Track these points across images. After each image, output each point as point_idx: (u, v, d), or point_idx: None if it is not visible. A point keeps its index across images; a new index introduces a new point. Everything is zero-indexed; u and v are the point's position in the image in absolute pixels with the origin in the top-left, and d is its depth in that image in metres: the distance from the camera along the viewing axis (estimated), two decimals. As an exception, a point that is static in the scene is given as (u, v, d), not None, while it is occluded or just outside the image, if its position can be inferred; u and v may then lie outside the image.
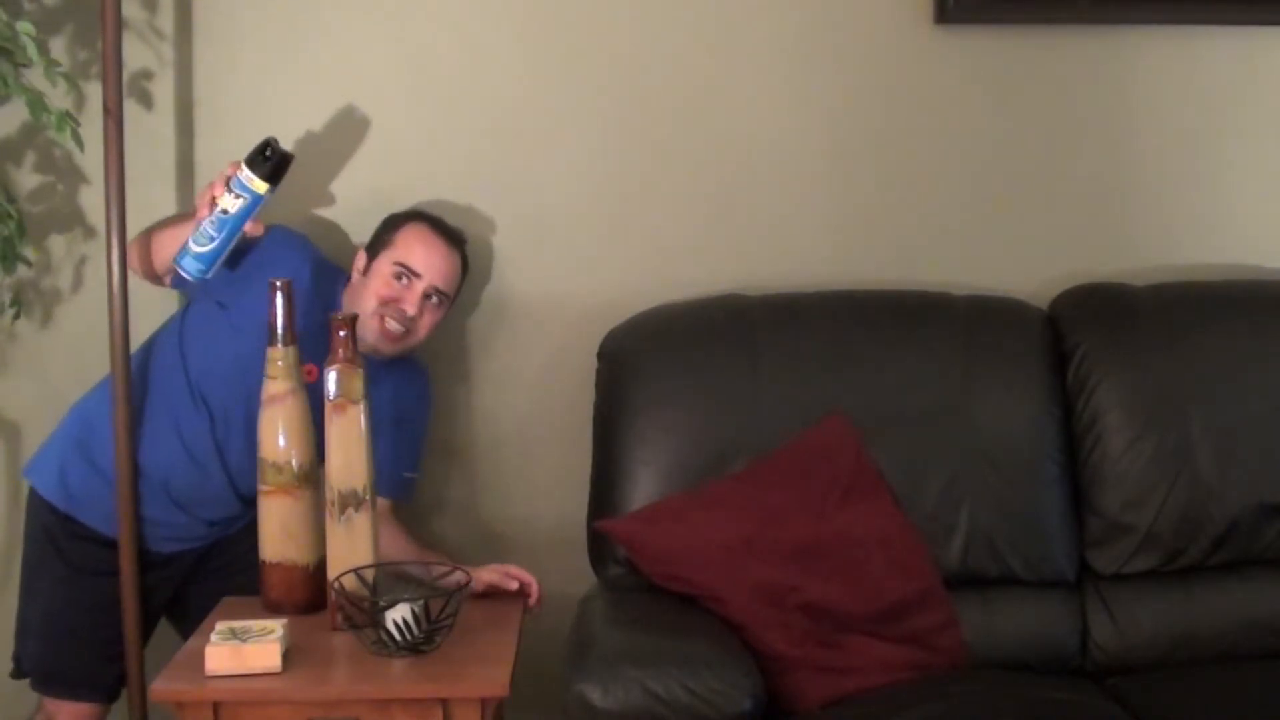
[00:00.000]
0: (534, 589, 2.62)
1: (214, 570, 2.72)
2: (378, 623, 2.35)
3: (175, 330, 2.70)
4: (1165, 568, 2.70)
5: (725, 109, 2.93)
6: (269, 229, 2.63)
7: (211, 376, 2.64)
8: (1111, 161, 2.98)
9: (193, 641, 2.43)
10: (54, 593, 2.66)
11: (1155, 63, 2.95)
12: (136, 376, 2.67)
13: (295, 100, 2.87)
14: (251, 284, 2.60)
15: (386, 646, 2.35)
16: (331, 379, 2.45)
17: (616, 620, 2.49)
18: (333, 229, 2.90)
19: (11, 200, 2.76)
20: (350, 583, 2.43)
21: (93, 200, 2.82)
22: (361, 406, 2.46)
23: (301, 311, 2.52)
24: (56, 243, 2.90)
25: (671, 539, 2.57)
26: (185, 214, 2.72)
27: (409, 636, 2.34)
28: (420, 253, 2.67)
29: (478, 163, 2.90)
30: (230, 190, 2.53)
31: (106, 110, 2.62)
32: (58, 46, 2.78)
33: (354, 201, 2.89)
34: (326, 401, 2.46)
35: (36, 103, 2.55)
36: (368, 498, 2.47)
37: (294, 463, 2.50)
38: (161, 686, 2.31)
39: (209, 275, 2.58)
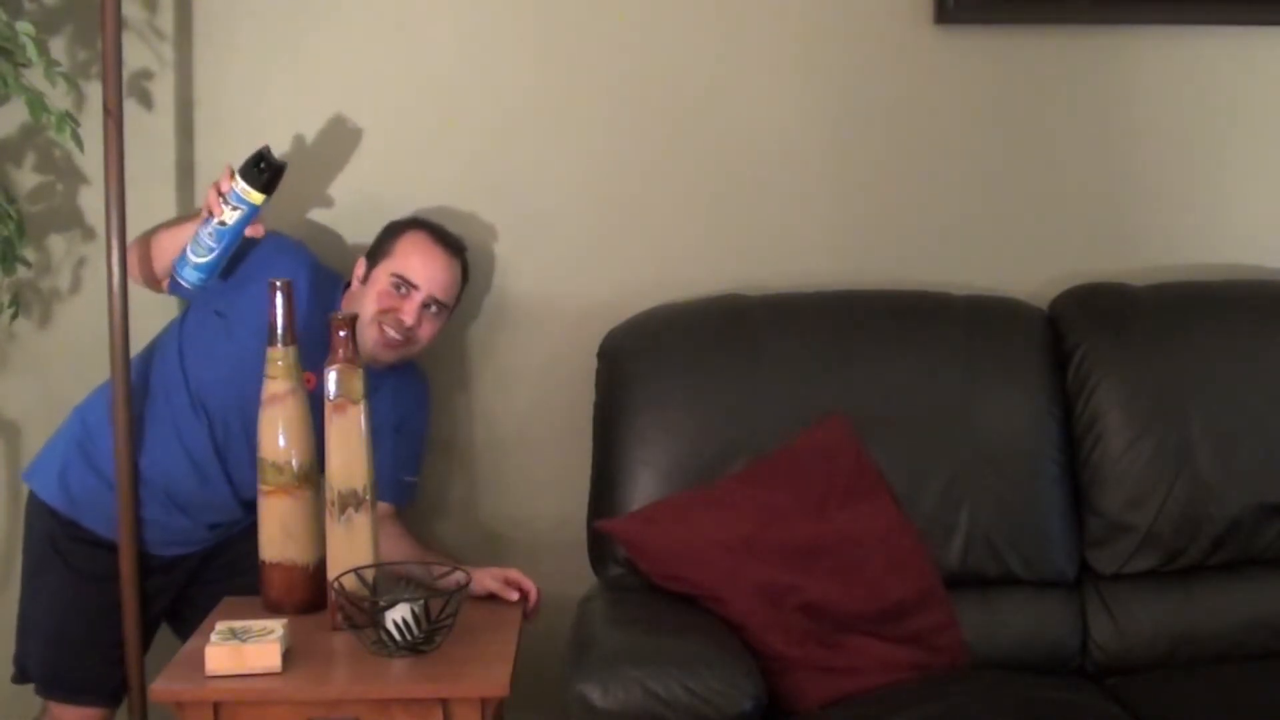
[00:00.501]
0: (534, 597, 2.62)
1: (214, 572, 2.72)
2: (378, 623, 2.35)
3: (174, 336, 2.70)
4: (1165, 568, 2.70)
5: (725, 109, 2.93)
6: (266, 235, 2.63)
7: (209, 383, 2.64)
8: (1111, 161, 2.98)
9: (193, 641, 2.43)
10: (57, 598, 2.66)
11: (1155, 63, 2.95)
12: (137, 381, 2.67)
13: (295, 101, 2.87)
14: (247, 291, 2.61)
15: (386, 646, 2.35)
16: (331, 379, 2.45)
17: (616, 620, 2.49)
18: (330, 233, 2.90)
19: (11, 200, 2.76)
20: (350, 583, 2.43)
21: (92, 201, 2.82)
22: (361, 406, 2.46)
23: (299, 318, 2.52)
24: (56, 243, 2.90)
25: (671, 539, 2.57)
26: (181, 219, 2.73)
27: (409, 636, 2.34)
28: (418, 263, 2.66)
29: (478, 164, 2.90)
30: (227, 203, 2.53)
31: (106, 110, 2.62)
32: (58, 46, 2.78)
33: (353, 204, 2.89)
34: (326, 401, 2.46)
35: (36, 103, 2.55)
36: (368, 498, 2.47)
37: (294, 463, 2.50)
38: (161, 687, 2.31)
39: (207, 284, 2.59)
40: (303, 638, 2.40)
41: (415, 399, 2.81)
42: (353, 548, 2.46)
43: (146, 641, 2.72)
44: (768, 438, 2.66)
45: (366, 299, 2.66)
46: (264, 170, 2.53)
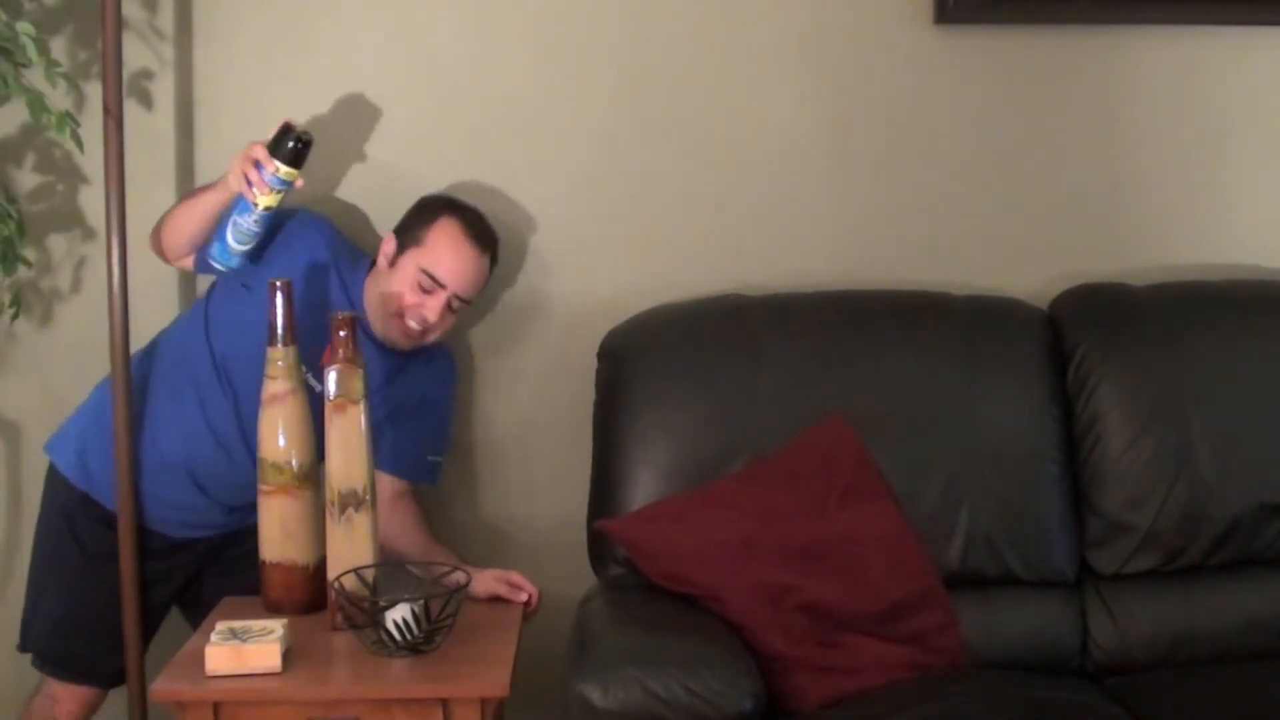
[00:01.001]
0: (534, 600, 2.62)
1: (228, 562, 2.71)
2: (378, 623, 2.35)
3: (201, 312, 2.70)
4: (1165, 568, 2.70)
5: (725, 109, 2.93)
6: (295, 212, 2.64)
7: (237, 356, 2.63)
8: (1111, 161, 2.98)
9: (193, 641, 2.43)
10: (66, 579, 2.66)
11: (1155, 63, 2.95)
12: (164, 353, 2.67)
13: (295, 101, 2.86)
14: (276, 265, 2.62)
15: (386, 646, 2.35)
16: (331, 379, 2.45)
17: (616, 620, 2.49)
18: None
19: (11, 200, 2.76)
20: (350, 583, 2.43)
21: (93, 200, 2.82)
22: (361, 406, 2.46)
23: (320, 292, 2.54)
24: (56, 243, 2.90)
25: (671, 539, 2.57)
26: (198, 191, 2.70)
27: (409, 636, 2.34)
28: (448, 262, 2.64)
29: (478, 164, 2.90)
30: (270, 189, 2.52)
31: (106, 110, 2.62)
32: (58, 46, 2.78)
33: (351, 203, 2.89)
34: (326, 401, 2.46)
35: (36, 103, 2.55)
36: (368, 498, 2.47)
37: (294, 463, 2.50)
38: (162, 686, 2.31)
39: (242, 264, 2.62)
40: (303, 638, 2.40)
41: (440, 375, 2.79)
42: (353, 548, 2.46)
43: (156, 625, 2.73)
44: (768, 438, 2.66)
45: (392, 288, 2.65)
46: (297, 146, 2.52)
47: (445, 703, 2.30)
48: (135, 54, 2.81)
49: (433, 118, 2.90)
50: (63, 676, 2.69)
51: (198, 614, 2.65)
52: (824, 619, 2.51)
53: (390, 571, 2.51)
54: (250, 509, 2.67)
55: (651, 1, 2.90)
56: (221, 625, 2.38)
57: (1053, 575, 2.69)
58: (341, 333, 2.46)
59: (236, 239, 2.58)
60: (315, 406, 2.51)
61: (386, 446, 2.70)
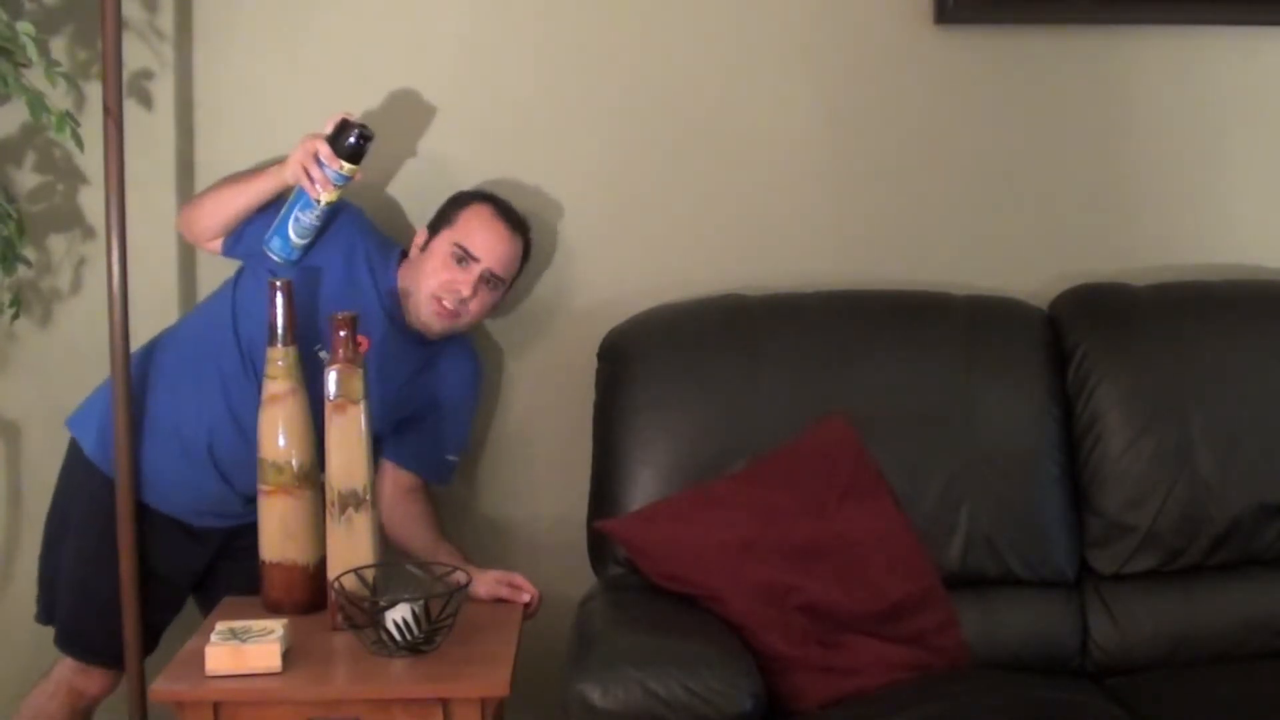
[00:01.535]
0: (535, 601, 2.62)
1: (239, 550, 2.69)
2: (378, 623, 2.35)
3: (228, 297, 2.69)
4: (1165, 568, 2.70)
5: (726, 110, 2.93)
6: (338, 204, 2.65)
7: (263, 343, 2.60)
8: (1111, 161, 2.98)
9: (193, 641, 2.43)
10: (83, 560, 2.66)
11: (1155, 63, 2.95)
12: (188, 337, 2.68)
13: (295, 101, 2.87)
14: (315, 256, 2.63)
15: (386, 646, 2.35)
16: (331, 379, 2.45)
17: (616, 620, 2.48)
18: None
19: (11, 200, 2.76)
20: (350, 583, 2.43)
21: (93, 200, 2.82)
22: (361, 406, 2.46)
23: (351, 281, 2.57)
24: (56, 243, 2.90)
25: (671, 539, 2.57)
26: (243, 177, 2.69)
27: (409, 636, 2.34)
28: (481, 236, 2.65)
29: (478, 166, 2.90)
30: (332, 184, 2.53)
31: (106, 110, 2.62)
32: (58, 46, 2.78)
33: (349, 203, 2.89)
34: (327, 402, 2.46)
35: (36, 103, 2.55)
36: (368, 498, 2.47)
37: (294, 463, 2.50)
38: (162, 686, 2.32)
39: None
40: (303, 638, 2.41)
41: (464, 376, 2.79)
42: (353, 548, 2.46)
43: (178, 609, 2.73)
44: (768, 438, 2.66)
45: (426, 268, 2.65)
46: (358, 142, 2.52)
47: (445, 703, 2.30)
48: (135, 54, 2.81)
49: (430, 118, 2.89)
50: (79, 656, 2.68)
51: (210, 601, 2.67)
52: (824, 619, 2.51)
53: (390, 571, 2.51)
54: None
55: (652, 4, 2.90)
56: (221, 625, 2.38)
57: (1053, 575, 2.69)
58: (341, 333, 2.46)
59: (298, 234, 2.58)
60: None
61: (405, 441, 2.71)
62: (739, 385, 2.69)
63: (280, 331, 2.49)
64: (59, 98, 2.64)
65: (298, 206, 2.57)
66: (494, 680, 2.31)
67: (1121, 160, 2.98)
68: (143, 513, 2.65)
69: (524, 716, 2.68)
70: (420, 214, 2.81)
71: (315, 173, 2.53)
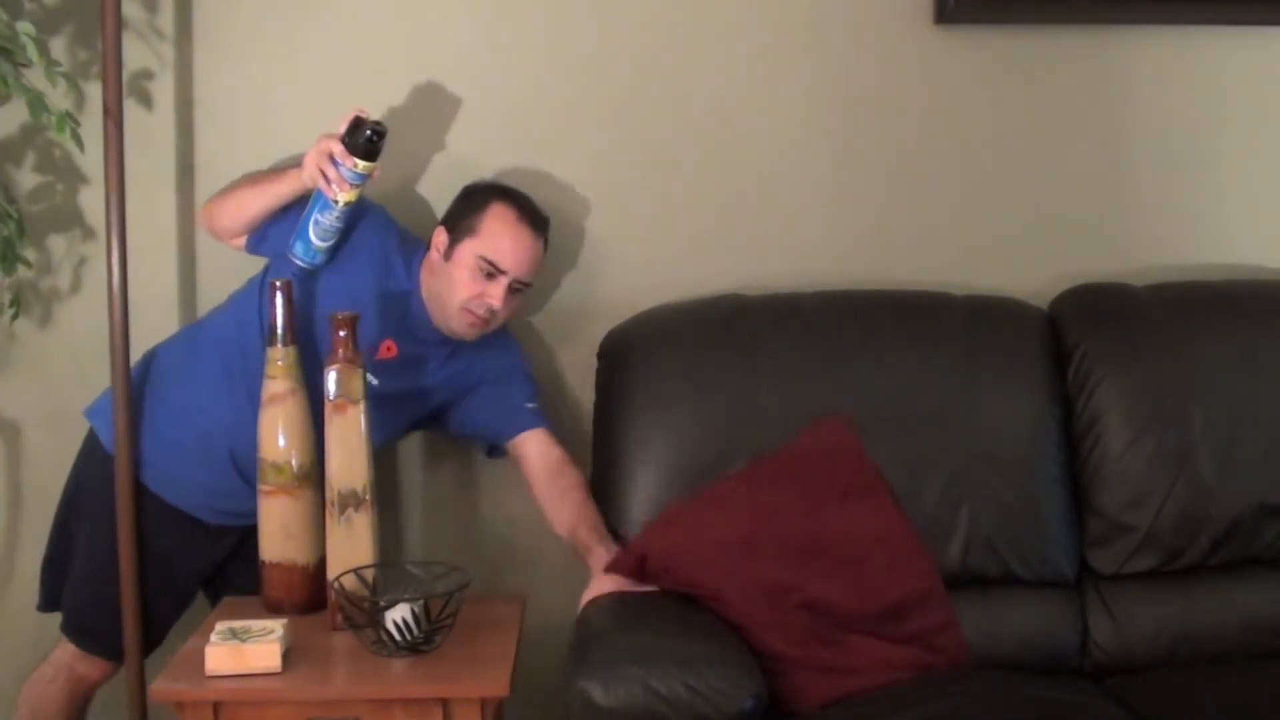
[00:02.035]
0: None
1: (256, 549, 2.68)
2: (378, 623, 2.35)
3: (254, 299, 2.68)
4: (1165, 568, 2.70)
5: (725, 109, 2.93)
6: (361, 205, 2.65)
7: None
8: (1111, 161, 2.98)
9: (193, 641, 2.43)
10: (95, 552, 2.66)
11: (1155, 63, 2.95)
12: (211, 335, 2.68)
13: (295, 100, 2.87)
14: (339, 257, 2.63)
15: (386, 646, 2.35)
16: (331, 379, 2.45)
17: (618, 619, 2.48)
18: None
19: (11, 200, 2.76)
20: (350, 583, 2.43)
21: (93, 200, 2.82)
22: (361, 406, 2.46)
23: (376, 280, 2.58)
24: (56, 243, 2.90)
25: (671, 539, 2.56)
26: (264, 177, 2.68)
27: (409, 636, 2.34)
28: (507, 248, 2.63)
29: (477, 165, 2.89)
30: (349, 184, 2.52)
31: (106, 110, 2.62)
32: (58, 46, 2.78)
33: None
34: (326, 402, 2.46)
35: (36, 103, 2.55)
36: (368, 498, 2.47)
37: (294, 463, 2.50)
38: (161, 686, 2.32)
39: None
40: (303, 638, 2.41)
41: (500, 343, 2.76)
42: (353, 548, 2.46)
43: (182, 609, 2.73)
44: (768, 438, 2.66)
45: (453, 281, 2.63)
46: (372, 139, 2.50)
47: (445, 703, 2.30)
48: (135, 54, 2.81)
49: (427, 119, 2.89)
50: (84, 647, 2.68)
51: (221, 597, 2.67)
52: (824, 619, 2.51)
53: (390, 571, 2.50)
54: None
55: (651, 5, 2.90)
56: (221, 625, 2.38)
57: (1053, 575, 2.69)
58: (341, 333, 2.46)
59: (319, 236, 2.57)
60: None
61: (482, 417, 2.72)
62: (739, 385, 2.69)
63: (280, 332, 2.49)
64: (59, 98, 2.64)
65: (317, 208, 2.56)
66: (494, 680, 2.31)
67: (1121, 160, 2.98)
68: (158, 507, 2.65)
69: (524, 716, 2.68)
70: (420, 210, 2.81)
71: (331, 172, 2.51)
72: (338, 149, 2.50)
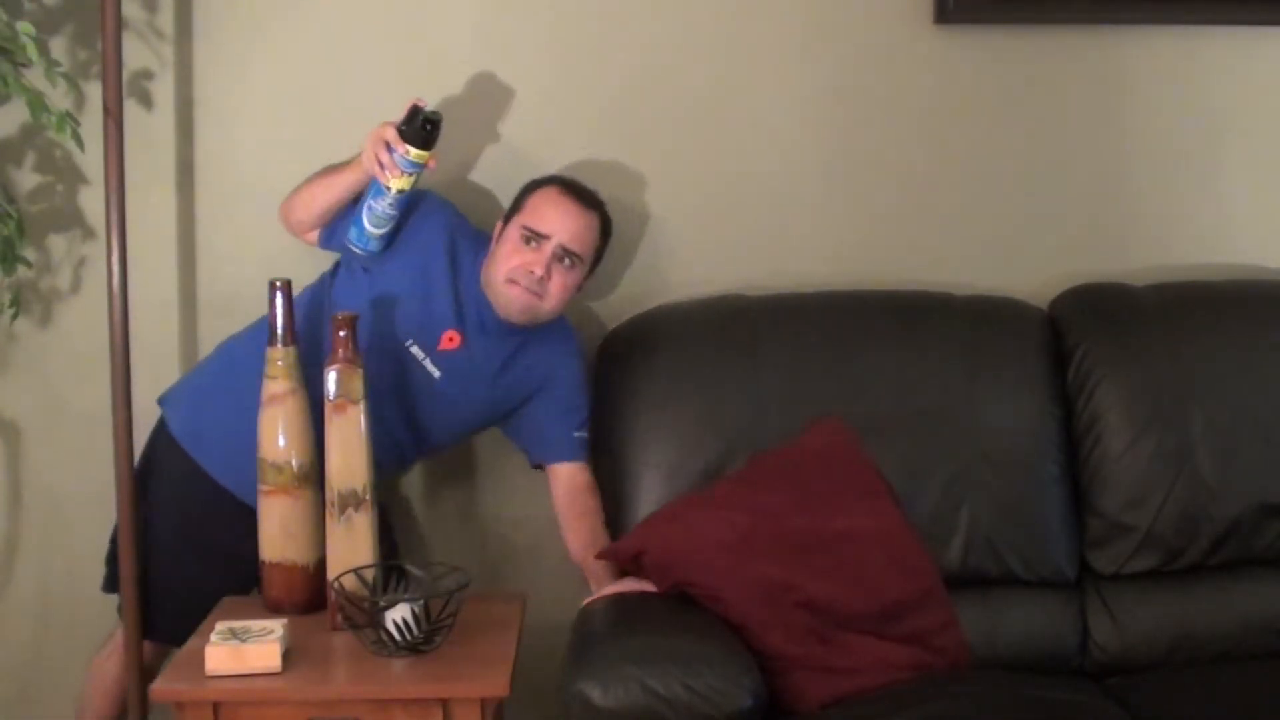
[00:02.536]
0: None
1: None
2: (378, 623, 2.35)
3: (325, 288, 2.69)
4: (1165, 568, 2.70)
5: (725, 109, 2.93)
6: (425, 195, 2.66)
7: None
8: (1111, 161, 2.98)
9: (193, 641, 2.43)
10: (155, 541, 2.66)
11: (1155, 63, 2.95)
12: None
13: (295, 100, 2.87)
14: (395, 250, 2.64)
15: (386, 646, 2.35)
16: (331, 379, 2.45)
17: (616, 619, 2.48)
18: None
19: (11, 200, 2.76)
20: (350, 583, 2.43)
21: (93, 201, 2.82)
22: (361, 406, 2.46)
23: (437, 276, 2.60)
24: (56, 243, 2.90)
25: (670, 538, 2.56)
26: (331, 169, 2.68)
27: (409, 636, 2.34)
28: (547, 213, 2.63)
29: (477, 165, 2.90)
30: (402, 172, 2.53)
31: (106, 110, 2.62)
32: (58, 46, 2.78)
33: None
34: (326, 402, 2.46)
35: (36, 103, 2.55)
36: (368, 498, 2.47)
37: (294, 463, 2.50)
38: (162, 687, 2.32)
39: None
40: (303, 638, 2.41)
41: (560, 347, 2.75)
42: (353, 548, 2.46)
43: (245, 595, 2.70)
44: (767, 438, 2.66)
45: (499, 255, 2.64)
46: (426, 128, 2.51)
47: (445, 703, 2.30)
48: (135, 54, 2.81)
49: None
50: (143, 633, 2.68)
51: None
52: (824, 618, 2.50)
53: (390, 571, 2.50)
54: None
55: (652, 3, 2.90)
56: (221, 625, 2.38)
57: (1053, 575, 2.69)
58: (341, 333, 2.46)
59: (373, 223, 2.58)
60: (421, 384, 2.62)
61: (530, 435, 2.74)
62: (739, 385, 2.69)
63: (280, 332, 2.49)
64: (59, 98, 2.64)
65: (371, 195, 2.58)
66: (494, 680, 2.31)
67: (1121, 160, 2.98)
68: (221, 496, 2.64)
69: (524, 716, 2.68)
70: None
71: (385, 159, 2.53)
72: (392, 135, 2.52)
